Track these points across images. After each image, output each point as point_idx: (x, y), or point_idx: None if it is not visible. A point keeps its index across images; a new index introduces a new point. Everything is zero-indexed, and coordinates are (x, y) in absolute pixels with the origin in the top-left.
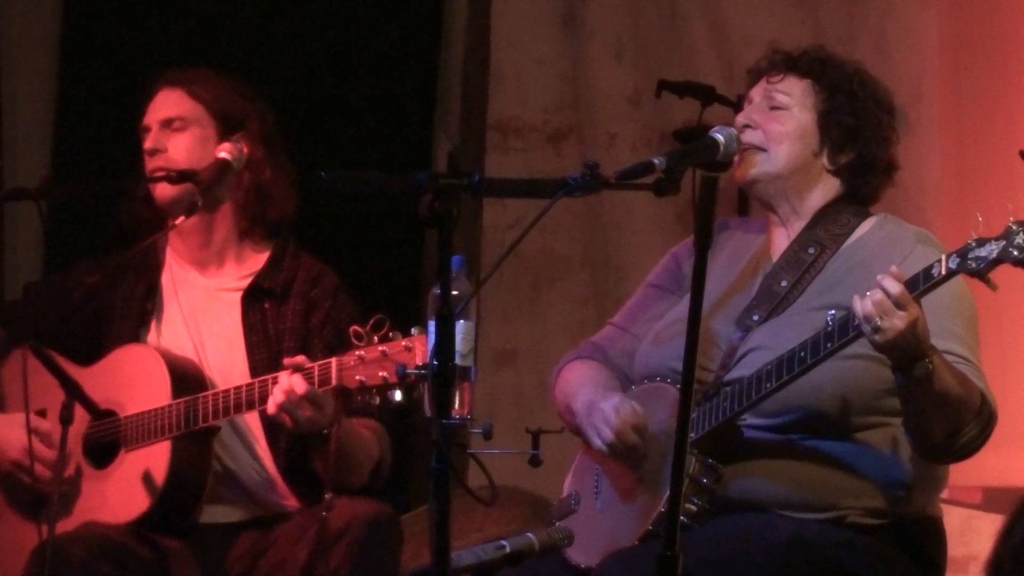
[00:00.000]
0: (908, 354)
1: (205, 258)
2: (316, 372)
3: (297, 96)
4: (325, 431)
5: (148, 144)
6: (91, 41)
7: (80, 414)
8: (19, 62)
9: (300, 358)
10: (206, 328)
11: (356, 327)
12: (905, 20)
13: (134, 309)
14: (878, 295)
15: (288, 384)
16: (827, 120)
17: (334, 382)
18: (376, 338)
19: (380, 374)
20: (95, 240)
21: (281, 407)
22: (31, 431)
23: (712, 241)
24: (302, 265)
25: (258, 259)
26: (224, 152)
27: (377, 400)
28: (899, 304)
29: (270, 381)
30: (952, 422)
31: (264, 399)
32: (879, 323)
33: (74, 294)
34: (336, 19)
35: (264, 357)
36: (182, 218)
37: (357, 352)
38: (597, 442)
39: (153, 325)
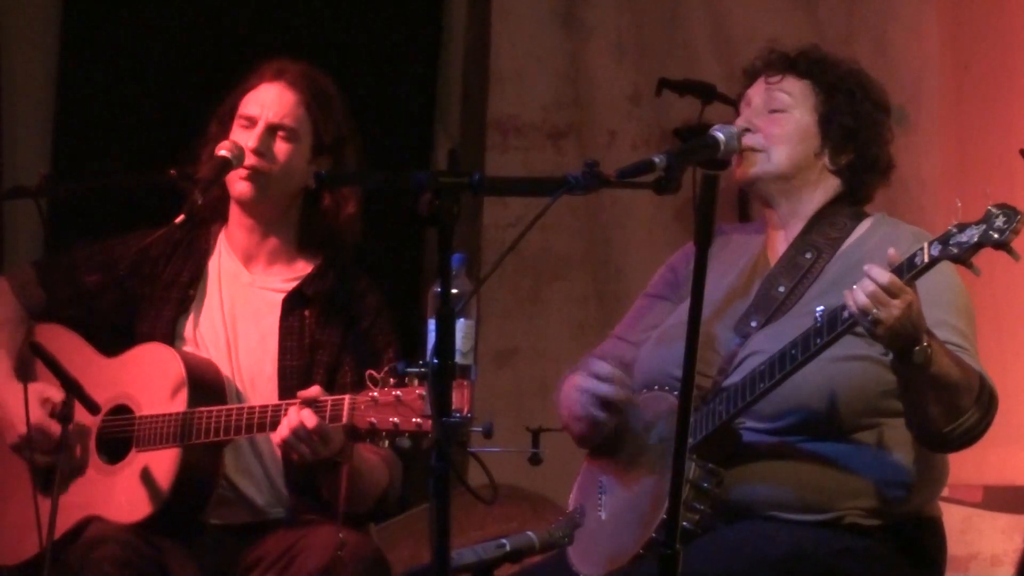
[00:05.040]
0: (906, 340)
1: (256, 253)
2: (328, 407)
3: None
4: (337, 460)
5: (254, 143)
6: (91, 41)
7: (101, 402)
8: (19, 62)
9: (315, 390)
10: (243, 324)
11: (372, 371)
12: (905, 20)
13: (176, 293)
14: (870, 287)
15: (297, 419)
16: (828, 121)
17: (345, 420)
18: (392, 382)
19: (392, 419)
20: (94, 239)
21: (287, 440)
22: (66, 408)
23: (711, 241)
24: (350, 279)
25: (307, 266)
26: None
27: (386, 444)
28: (891, 292)
29: (283, 408)
30: (953, 406)
31: (274, 424)
32: (876, 314)
33: (120, 265)
34: (336, 19)
35: (295, 364)
36: (182, 216)
37: (371, 393)
38: (597, 414)
39: (191, 314)
